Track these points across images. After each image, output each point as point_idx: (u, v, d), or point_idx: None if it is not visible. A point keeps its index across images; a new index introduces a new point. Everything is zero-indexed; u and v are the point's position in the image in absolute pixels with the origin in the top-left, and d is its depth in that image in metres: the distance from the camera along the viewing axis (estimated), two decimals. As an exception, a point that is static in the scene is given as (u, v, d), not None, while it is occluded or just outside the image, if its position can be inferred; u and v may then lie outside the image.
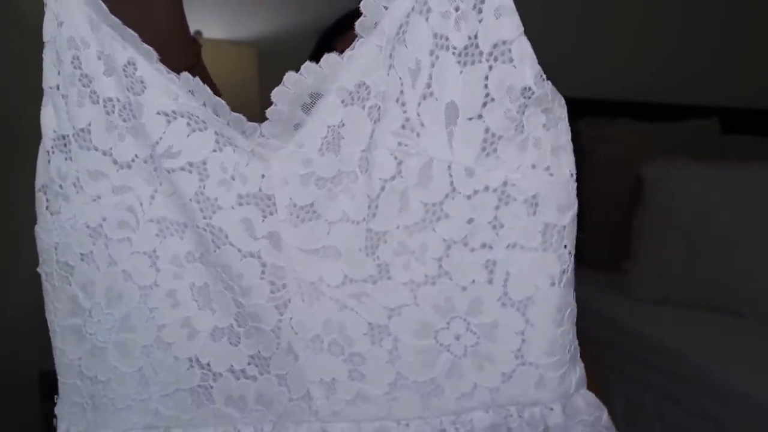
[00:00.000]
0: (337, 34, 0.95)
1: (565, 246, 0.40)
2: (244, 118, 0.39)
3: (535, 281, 0.40)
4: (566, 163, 0.39)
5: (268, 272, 0.40)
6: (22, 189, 1.34)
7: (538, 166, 0.38)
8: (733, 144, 2.00)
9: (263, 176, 0.39)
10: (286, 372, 0.42)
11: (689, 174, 1.69)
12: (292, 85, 0.38)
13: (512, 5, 0.37)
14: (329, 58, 0.38)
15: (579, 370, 0.43)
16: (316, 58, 1.11)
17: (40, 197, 0.43)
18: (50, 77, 0.41)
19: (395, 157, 0.38)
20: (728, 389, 1.22)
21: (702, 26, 2.16)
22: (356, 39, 0.38)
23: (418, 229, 0.39)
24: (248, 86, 1.57)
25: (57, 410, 0.47)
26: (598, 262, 1.88)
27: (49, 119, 0.42)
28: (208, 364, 0.43)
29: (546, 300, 0.40)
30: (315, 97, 0.39)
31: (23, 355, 1.38)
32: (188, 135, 0.40)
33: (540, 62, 0.39)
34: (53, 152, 0.42)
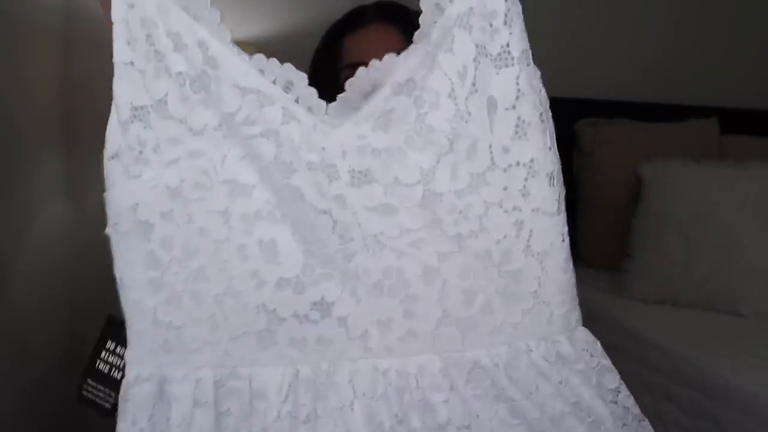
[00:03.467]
0: (344, 32, 0.95)
1: (565, 210, 0.51)
2: (315, 92, 0.47)
3: (551, 238, 0.50)
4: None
5: (338, 227, 0.48)
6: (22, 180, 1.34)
7: (552, 148, 0.50)
8: (732, 144, 2.00)
9: (323, 148, 0.47)
10: (347, 314, 0.49)
11: (688, 174, 1.70)
12: (360, 78, 0.48)
13: (523, 22, 0.47)
14: (390, 57, 0.48)
15: (578, 311, 0.53)
16: (322, 53, 1.11)
17: (112, 165, 0.48)
18: (123, 53, 0.46)
19: (449, 139, 0.47)
20: (728, 389, 1.22)
21: (701, 27, 2.17)
22: (410, 44, 0.48)
23: (465, 193, 0.48)
24: (248, 86, 1.56)
25: (127, 356, 0.51)
26: (598, 262, 1.88)
27: (124, 92, 0.47)
28: (274, 310, 0.49)
29: (558, 252, 0.50)
30: (375, 87, 0.48)
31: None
32: (260, 108, 0.46)
33: (541, 63, 0.47)
34: (132, 122, 0.47)
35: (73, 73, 1.63)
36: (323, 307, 0.49)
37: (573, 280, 0.52)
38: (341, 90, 0.93)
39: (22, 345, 1.31)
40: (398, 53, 0.90)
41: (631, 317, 1.54)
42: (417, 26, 0.96)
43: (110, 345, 0.69)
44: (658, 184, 1.71)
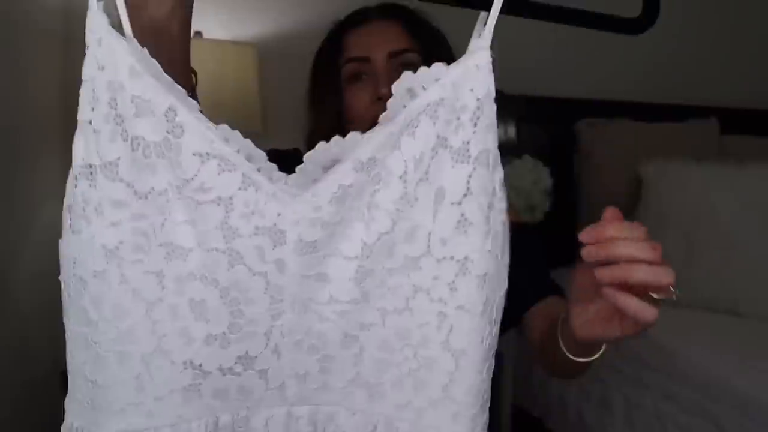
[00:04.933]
0: (346, 29, 0.96)
1: (495, 315, 0.51)
2: (275, 167, 0.48)
3: (471, 338, 0.50)
4: (508, 252, 0.51)
5: (270, 288, 0.49)
6: (21, 188, 1.34)
7: (492, 252, 0.49)
8: (732, 144, 2.00)
9: (279, 214, 0.48)
10: (267, 368, 0.51)
11: (688, 174, 1.70)
12: (321, 152, 0.48)
13: (495, 121, 0.48)
14: (353, 135, 0.47)
15: (485, 416, 0.53)
16: (325, 51, 1.11)
17: (65, 215, 0.49)
18: (84, 111, 0.47)
19: (392, 219, 0.48)
20: (727, 389, 1.22)
21: (702, 27, 2.17)
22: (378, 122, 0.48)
23: (397, 272, 0.49)
24: (248, 86, 1.57)
25: (65, 404, 0.52)
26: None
27: (78, 149, 0.47)
28: (200, 365, 0.50)
29: (475, 353, 0.51)
30: (334, 161, 0.48)
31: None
32: (219, 174, 0.46)
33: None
34: (80, 178, 0.47)
35: (73, 73, 1.62)
36: (246, 360, 0.50)
37: (486, 385, 0.52)
38: (341, 90, 0.94)
39: (22, 346, 1.31)
40: (401, 47, 0.92)
41: (631, 317, 1.54)
42: (419, 22, 0.97)
43: None
44: (658, 184, 1.71)
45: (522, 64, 1.77)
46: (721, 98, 2.11)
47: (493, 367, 0.53)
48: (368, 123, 0.90)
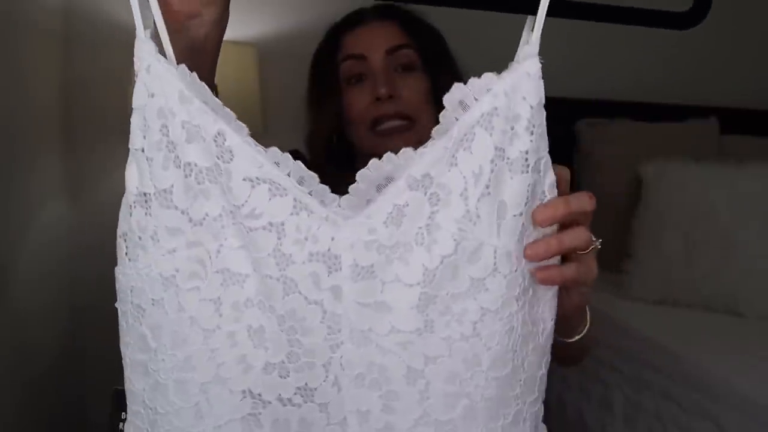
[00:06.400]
0: (344, 30, 0.96)
1: (545, 310, 0.52)
2: (327, 189, 0.47)
3: (534, 342, 0.51)
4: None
5: (327, 318, 0.48)
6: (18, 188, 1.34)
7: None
8: (732, 144, 2.00)
9: (333, 239, 0.47)
10: (328, 401, 0.49)
11: (688, 174, 1.70)
12: (374, 170, 0.47)
13: (545, 128, 0.47)
14: (406, 151, 0.46)
15: (540, 406, 0.54)
16: (323, 50, 1.11)
17: (120, 243, 0.49)
18: (136, 140, 0.47)
19: (455, 240, 0.46)
20: (727, 389, 1.22)
21: (701, 27, 2.16)
22: (430, 139, 0.47)
23: (463, 297, 0.47)
24: (249, 86, 1.56)
25: (125, 428, 0.53)
26: (598, 262, 1.88)
27: (132, 177, 0.47)
28: (260, 395, 0.49)
29: (536, 351, 0.52)
30: (388, 180, 0.47)
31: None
32: (269, 199, 0.46)
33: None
34: (135, 207, 0.47)
35: (73, 73, 1.63)
36: (306, 392, 0.49)
37: (544, 377, 0.53)
38: (340, 91, 0.94)
39: (22, 346, 1.31)
40: (397, 45, 0.92)
41: (631, 317, 1.54)
42: (415, 21, 0.97)
43: (124, 416, 0.73)
44: (658, 184, 1.71)
45: (522, 64, 1.76)
46: (721, 98, 2.11)
47: (549, 360, 0.54)
48: (367, 123, 0.90)
